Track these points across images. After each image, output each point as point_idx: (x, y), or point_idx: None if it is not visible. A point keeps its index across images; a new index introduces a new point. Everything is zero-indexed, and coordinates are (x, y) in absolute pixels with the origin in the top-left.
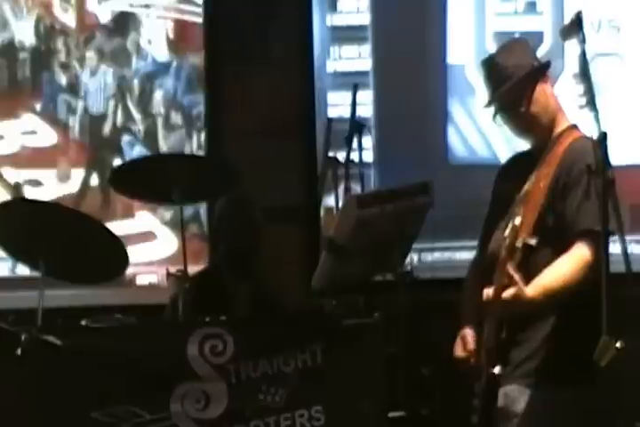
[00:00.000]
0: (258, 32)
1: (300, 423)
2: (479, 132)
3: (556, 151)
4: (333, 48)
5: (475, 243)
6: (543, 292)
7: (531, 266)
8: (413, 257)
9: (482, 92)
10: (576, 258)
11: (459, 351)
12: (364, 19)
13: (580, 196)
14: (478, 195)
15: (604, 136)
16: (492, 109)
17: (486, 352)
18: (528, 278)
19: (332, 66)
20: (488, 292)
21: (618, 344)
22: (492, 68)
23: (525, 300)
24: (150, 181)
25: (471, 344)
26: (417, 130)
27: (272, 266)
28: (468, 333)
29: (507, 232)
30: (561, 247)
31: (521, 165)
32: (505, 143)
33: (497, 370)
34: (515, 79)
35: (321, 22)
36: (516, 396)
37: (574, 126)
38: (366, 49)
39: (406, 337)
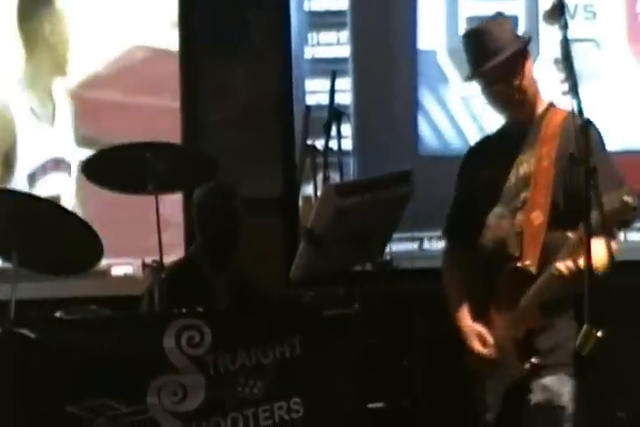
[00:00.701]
0: (234, 18)
1: (278, 415)
2: (451, 120)
3: (548, 129)
4: (311, 34)
5: None
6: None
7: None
8: (392, 247)
9: (454, 78)
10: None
11: (478, 347)
12: (343, 3)
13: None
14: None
15: (588, 123)
16: (470, 88)
17: (515, 344)
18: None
19: (310, 52)
20: (568, 265)
21: (599, 333)
22: (483, 39)
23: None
24: (124, 170)
25: (490, 339)
26: (393, 118)
27: (250, 257)
28: (481, 328)
29: (518, 217)
30: (574, 224)
31: (498, 149)
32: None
33: (535, 360)
34: (509, 51)
35: (298, 7)
36: (558, 388)
37: (553, 104)
38: (345, 35)
39: (386, 328)
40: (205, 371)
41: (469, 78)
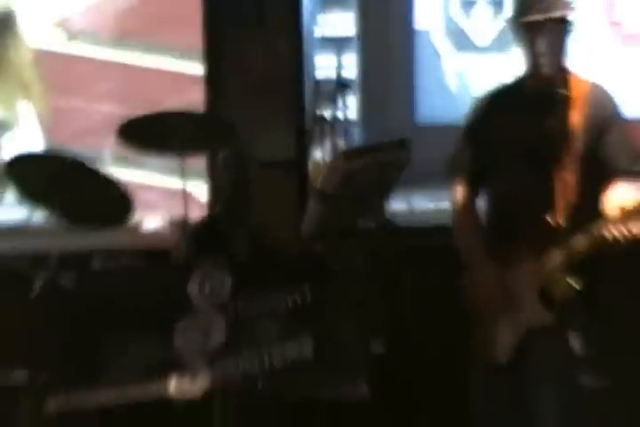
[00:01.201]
0: (255, 4)
1: (290, 355)
2: (444, 93)
3: (575, 94)
4: (321, 15)
5: None
6: None
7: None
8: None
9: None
10: None
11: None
12: None
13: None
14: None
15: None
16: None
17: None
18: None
19: (320, 31)
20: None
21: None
22: None
23: None
24: (155, 135)
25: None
26: (393, 91)
27: (265, 213)
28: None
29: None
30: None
31: (523, 105)
32: None
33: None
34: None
35: None
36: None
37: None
38: (350, 16)
39: (387, 277)
40: (226, 315)
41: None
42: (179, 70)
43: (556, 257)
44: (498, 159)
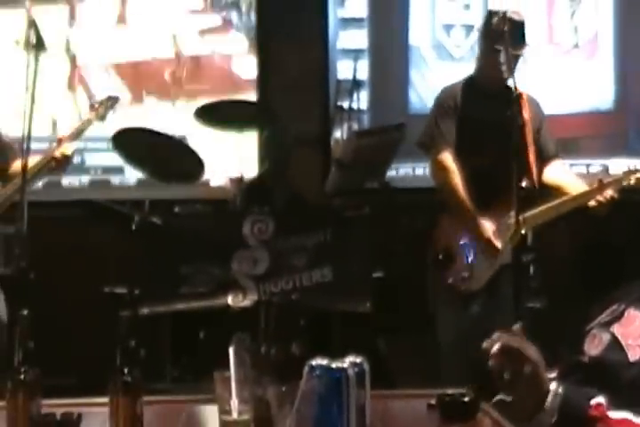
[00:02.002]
0: (294, 20)
1: (315, 278)
2: (430, 91)
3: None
4: (342, 32)
5: None
6: None
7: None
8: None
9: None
10: None
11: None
12: (364, 12)
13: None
14: None
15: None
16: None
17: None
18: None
19: (341, 44)
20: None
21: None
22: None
23: None
24: (223, 116)
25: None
26: (393, 89)
27: (298, 177)
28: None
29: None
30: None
31: (484, 99)
32: None
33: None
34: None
35: (334, 14)
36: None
37: None
38: (364, 33)
39: (385, 223)
40: (269, 249)
41: (523, 47)
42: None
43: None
44: (468, 133)
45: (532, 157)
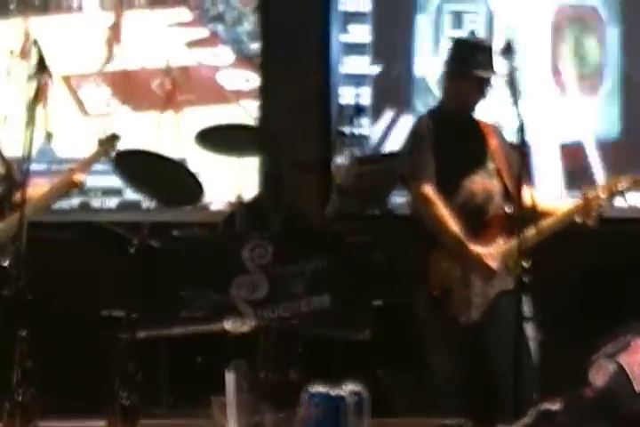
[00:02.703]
0: (298, 46)
1: (314, 305)
2: None
3: (486, 129)
4: (345, 57)
5: None
6: None
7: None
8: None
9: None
10: None
11: (492, 262)
12: (367, 37)
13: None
14: None
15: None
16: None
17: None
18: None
19: (344, 69)
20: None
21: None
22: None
23: None
24: (223, 140)
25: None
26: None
27: (301, 200)
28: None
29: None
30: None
31: (454, 129)
32: None
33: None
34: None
35: (336, 40)
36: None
37: None
38: (366, 59)
39: (388, 251)
40: (268, 274)
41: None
42: None
43: (512, 241)
44: (448, 167)
45: (508, 182)
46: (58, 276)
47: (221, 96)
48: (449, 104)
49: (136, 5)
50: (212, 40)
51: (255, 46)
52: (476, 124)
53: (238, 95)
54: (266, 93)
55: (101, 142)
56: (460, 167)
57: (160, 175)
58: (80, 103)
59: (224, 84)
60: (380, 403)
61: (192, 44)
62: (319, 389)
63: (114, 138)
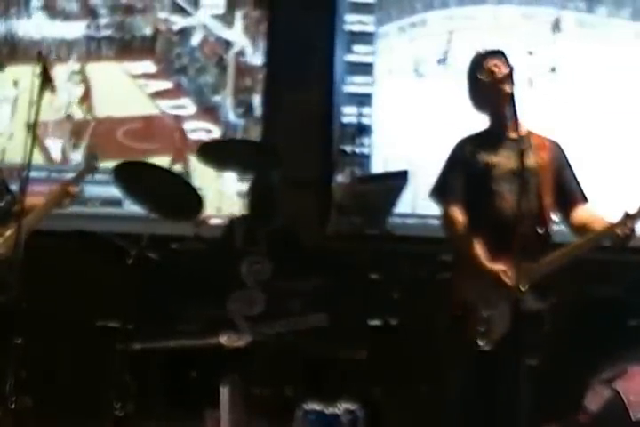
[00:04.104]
0: (302, 64)
1: (310, 323)
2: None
3: (536, 139)
4: (348, 77)
5: None
6: None
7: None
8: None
9: None
10: None
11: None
12: (370, 59)
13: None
14: None
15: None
16: None
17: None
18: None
19: (347, 89)
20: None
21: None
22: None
23: None
24: (224, 155)
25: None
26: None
27: (300, 218)
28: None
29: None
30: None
31: (489, 145)
32: None
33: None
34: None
35: (339, 59)
36: None
37: None
38: (369, 79)
39: (384, 267)
40: (266, 290)
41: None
42: None
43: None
44: (482, 186)
45: (547, 203)
46: (54, 285)
47: (186, 146)
48: (489, 120)
49: (103, 57)
50: (176, 91)
51: (217, 98)
52: (516, 140)
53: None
54: (269, 111)
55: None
56: (491, 184)
57: (160, 187)
58: (45, 151)
59: (188, 133)
60: (374, 423)
61: (156, 95)
62: (314, 406)
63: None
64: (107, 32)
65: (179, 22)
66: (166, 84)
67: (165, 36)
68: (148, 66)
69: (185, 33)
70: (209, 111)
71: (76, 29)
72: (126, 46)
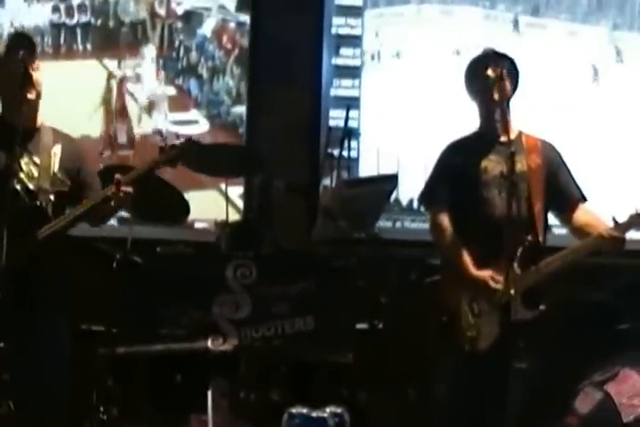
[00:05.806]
0: (287, 66)
1: (297, 327)
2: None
3: (528, 141)
4: (335, 80)
5: None
6: None
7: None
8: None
9: None
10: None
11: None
12: (358, 61)
13: (569, 173)
14: None
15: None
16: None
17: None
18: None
19: (334, 92)
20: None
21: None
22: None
23: None
24: (208, 160)
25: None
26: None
27: (287, 223)
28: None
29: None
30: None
31: (477, 149)
32: None
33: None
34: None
35: (328, 62)
36: None
37: None
38: (357, 82)
39: (372, 273)
40: (251, 294)
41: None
42: None
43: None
44: (463, 188)
45: (537, 209)
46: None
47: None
48: (479, 123)
49: (76, 52)
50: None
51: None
52: (506, 143)
53: None
54: (254, 115)
55: (163, 150)
56: (480, 189)
57: (145, 192)
58: None
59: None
60: (361, 426)
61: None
62: (300, 410)
63: (187, 144)
64: (83, 18)
65: (184, 2)
66: (167, 91)
67: (165, 21)
68: (141, 65)
69: (193, 17)
70: (227, 129)
71: (37, 14)
72: (109, 37)
